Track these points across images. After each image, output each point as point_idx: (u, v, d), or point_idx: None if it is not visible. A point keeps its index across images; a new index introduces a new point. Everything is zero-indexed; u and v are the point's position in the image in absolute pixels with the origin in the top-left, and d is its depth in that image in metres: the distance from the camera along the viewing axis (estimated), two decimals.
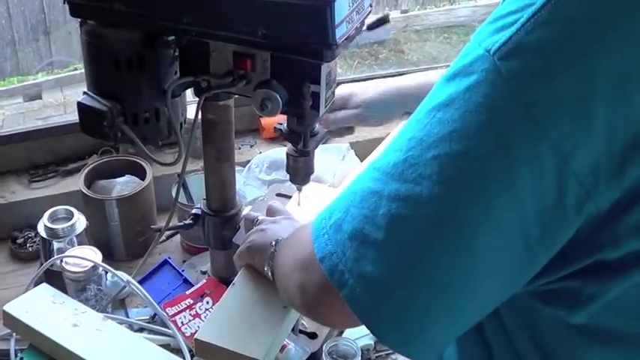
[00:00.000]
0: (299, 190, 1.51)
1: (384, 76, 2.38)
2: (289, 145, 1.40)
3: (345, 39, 1.19)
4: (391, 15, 4.60)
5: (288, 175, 1.47)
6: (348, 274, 0.82)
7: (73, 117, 3.33)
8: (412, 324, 0.81)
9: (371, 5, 1.31)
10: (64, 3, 1.29)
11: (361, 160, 2.04)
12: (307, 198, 1.57)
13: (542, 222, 0.74)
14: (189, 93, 1.46)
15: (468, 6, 4.85)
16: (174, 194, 1.78)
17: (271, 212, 1.42)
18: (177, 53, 1.33)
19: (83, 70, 1.36)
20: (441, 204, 0.76)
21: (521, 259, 0.77)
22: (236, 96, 1.38)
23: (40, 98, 3.90)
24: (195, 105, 1.36)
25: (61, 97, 3.90)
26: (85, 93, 1.34)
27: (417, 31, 4.76)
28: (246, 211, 1.55)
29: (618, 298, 0.79)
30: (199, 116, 1.40)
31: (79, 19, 1.32)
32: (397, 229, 0.78)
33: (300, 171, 1.43)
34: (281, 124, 1.38)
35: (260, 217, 1.41)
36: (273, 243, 1.22)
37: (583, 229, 0.75)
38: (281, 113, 1.28)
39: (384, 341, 0.85)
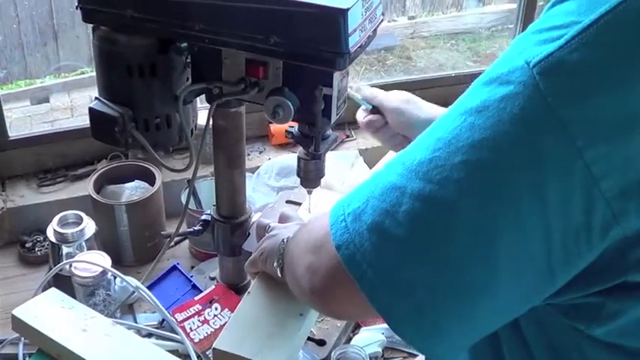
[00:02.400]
0: (309, 193, 1.51)
1: (392, 84, 2.39)
2: (300, 148, 1.40)
3: (358, 47, 1.19)
4: (398, 21, 4.62)
5: (297, 181, 1.47)
6: (366, 266, 0.81)
7: (80, 120, 3.33)
8: (431, 323, 0.81)
9: (383, 14, 1.31)
10: (77, 8, 1.29)
11: (370, 168, 2.04)
12: (317, 206, 1.57)
13: (565, 242, 0.74)
14: (199, 99, 1.46)
15: (476, 13, 4.85)
16: (183, 200, 1.79)
17: (284, 219, 1.43)
18: (189, 60, 1.34)
19: (91, 74, 1.36)
20: (465, 211, 0.76)
21: (542, 276, 0.77)
22: (247, 103, 1.38)
23: (48, 102, 3.90)
24: (206, 111, 1.37)
25: (68, 100, 3.90)
26: (96, 99, 1.35)
27: (424, 38, 4.76)
28: (255, 217, 1.55)
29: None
30: (210, 123, 1.41)
31: (92, 25, 1.33)
32: (420, 229, 0.78)
33: (310, 174, 1.43)
34: (292, 127, 1.38)
35: (272, 224, 1.41)
36: (285, 240, 1.22)
37: (608, 252, 0.75)
38: (292, 120, 1.28)
39: (401, 336, 0.84)
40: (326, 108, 1.26)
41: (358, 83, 1.59)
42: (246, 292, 1.36)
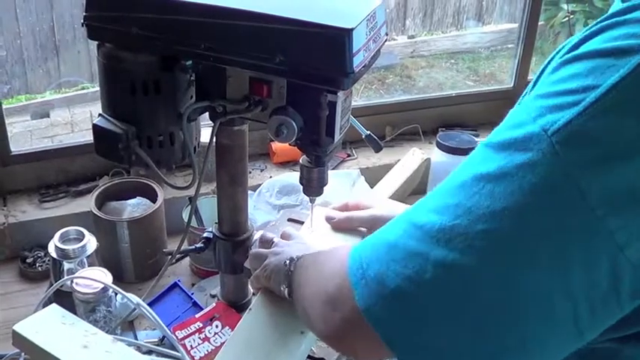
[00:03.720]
0: (312, 202, 1.50)
1: (393, 104, 2.40)
2: (303, 156, 1.39)
3: (362, 67, 1.19)
4: (398, 40, 4.64)
5: (299, 199, 1.47)
6: (393, 330, 0.82)
7: (80, 135, 3.32)
8: None
9: (387, 34, 1.32)
10: (83, 25, 1.30)
11: (371, 187, 2.04)
12: (319, 225, 1.57)
13: (593, 307, 0.74)
14: (202, 116, 1.47)
15: (475, 32, 4.87)
16: (184, 217, 1.79)
17: (286, 237, 1.43)
18: (193, 78, 1.34)
19: (91, 90, 1.37)
20: (488, 280, 0.75)
21: (569, 335, 0.77)
22: (250, 121, 1.38)
23: (48, 116, 3.91)
24: (208, 128, 1.37)
25: (68, 115, 3.90)
26: (100, 115, 1.35)
27: (423, 57, 4.78)
28: (257, 235, 1.55)
29: None
30: (213, 141, 1.41)
31: (97, 42, 1.33)
32: (444, 297, 0.78)
33: (313, 182, 1.42)
34: None
35: (276, 240, 1.41)
36: (287, 262, 1.23)
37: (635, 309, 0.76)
38: (296, 140, 1.28)
39: None
40: (329, 127, 1.26)
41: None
42: (248, 309, 1.35)
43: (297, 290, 1.18)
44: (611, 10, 0.77)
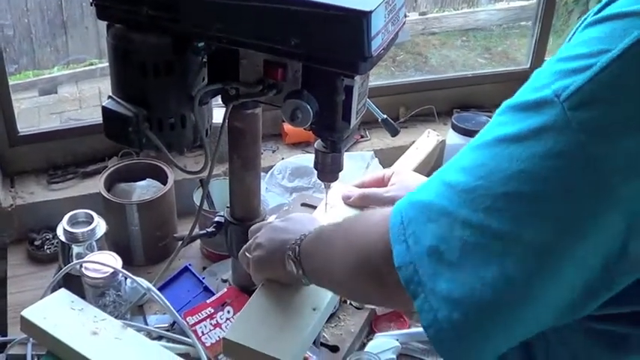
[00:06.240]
0: (327, 187, 1.47)
1: (408, 84, 2.36)
2: (318, 140, 1.36)
3: (381, 50, 1.16)
4: (409, 17, 4.59)
5: (312, 182, 1.44)
6: (421, 288, 0.83)
7: (88, 112, 3.30)
8: (472, 342, 0.82)
9: (405, 15, 1.28)
10: (92, 5, 1.26)
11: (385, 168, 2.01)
12: (333, 207, 1.54)
13: (606, 267, 0.74)
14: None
15: (487, 9, 4.82)
16: (195, 199, 1.76)
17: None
18: (205, 59, 1.31)
19: (100, 66, 1.33)
20: (507, 240, 0.77)
21: (580, 296, 0.78)
22: (264, 104, 1.35)
23: (56, 92, 3.88)
24: (221, 109, 1.33)
25: (76, 91, 3.87)
26: (109, 97, 1.32)
27: (434, 34, 4.73)
28: (271, 219, 1.52)
29: None
30: (226, 124, 1.38)
31: (106, 23, 1.30)
32: (469, 254, 0.79)
33: (328, 167, 1.39)
34: None
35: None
36: (299, 238, 1.19)
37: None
38: (311, 124, 1.24)
39: (439, 350, 0.85)
40: (345, 112, 1.23)
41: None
42: (261, 284, 1.32)
43: (318, 258, 1.16)
44: None
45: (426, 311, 0.83)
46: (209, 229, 1.59)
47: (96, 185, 1.85)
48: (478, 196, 0.78)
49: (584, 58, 0.72)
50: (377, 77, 3.40)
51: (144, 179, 1.88)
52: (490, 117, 2.19)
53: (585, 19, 0.80)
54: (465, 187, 0.80)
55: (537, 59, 2.41)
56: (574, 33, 0.82)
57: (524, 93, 0.77)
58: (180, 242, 1.56)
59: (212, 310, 1.58)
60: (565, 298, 0.78)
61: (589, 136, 0.70)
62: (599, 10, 0.76)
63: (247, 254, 1.32)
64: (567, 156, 0.71)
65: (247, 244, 1.33)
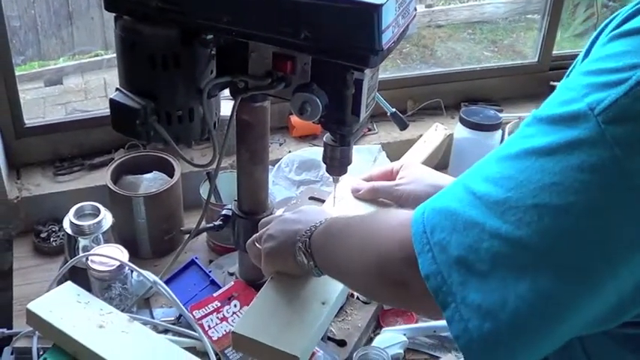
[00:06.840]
0: (335, 181, 1.46)
1: (415, 77, 2.35)
2: (327, 133, 1.35)
3: (391, 44, 1.15)
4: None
5: (319, 175, 1.43)
6: (451, 298, 0.83)
7: (94, 103, 3.29)
8: (502, 352, 0.81)
9: (415, 9, 1.27)
10: None
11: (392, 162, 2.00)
12: (342, 200, 1.53)
13: (636, 283, 0.76)
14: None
15: (493, 2, 4.80)
16: (202, 192, 1.75)
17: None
18: (214, 52, 1.30)
19: (106, 57, 1.32)
20: (538, 253, 0.76)
21: (612, 310, 0.78)
22: (272, 97, 1.34)
23: (61, 83, 3.87)
24: (229, 101, 1.32)
25: (82, 82, 3.86)
26: (117, 89, 1.31)
27: (441, 27, 4.71)
28: (278, 213, 1.51)
29: None
30: (234, 117, 1.37)
31: (114, 14, 1.29)
32: (500, 266, 0.79)
33: (337, 161, 1.38)
34: None
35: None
36: (309, 229, 1.19)
37: None
38: (320, 118, 1.23)
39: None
40: (355, 106, 1.22)
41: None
42: (270, 277, 1.31)
43: (329, 251, 1.15)
44: None
45: (456, 321, 0.82)
46: (216, 223, 1.58)
47: (102, 177, 1.84)
48: (508, 208, 0.78)
49: (615, 72, 0.72)
50: (383, 70, 3.38)
51: (151, 172, 1.87)
52: (498, 111, 2.19)
53: (603, 30, 0.81)
54: (494, 199, 0.79)
55: (545, 53, 2.39)
56: (591, 46, 0.82)
57: (552, 106, 0.77)
58: (187, 235, 1.56)
59: (219, 304, 1.58)
60: (599, 312, 0.78)
61: (624, 151, 0.70)
62: (623, 22, 0.77)
63: (257, 245, 1.31)
64: (601, 170, 0.71)
65: (256, 234, 1.33)
